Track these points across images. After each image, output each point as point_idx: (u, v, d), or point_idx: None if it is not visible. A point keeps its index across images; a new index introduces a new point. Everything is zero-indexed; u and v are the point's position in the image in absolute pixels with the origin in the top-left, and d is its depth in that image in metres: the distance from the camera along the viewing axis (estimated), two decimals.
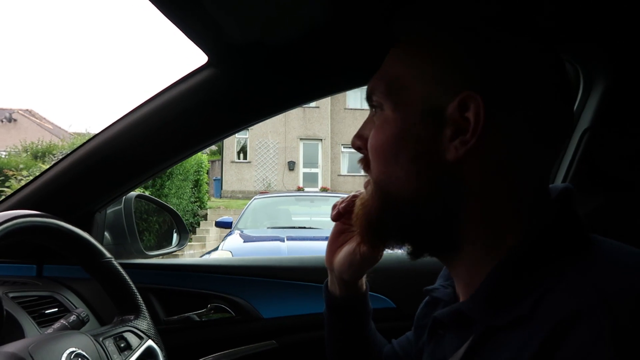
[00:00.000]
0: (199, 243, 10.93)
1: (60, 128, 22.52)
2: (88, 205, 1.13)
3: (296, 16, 0.83)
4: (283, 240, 4.65)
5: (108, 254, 0.88)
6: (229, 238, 5.23)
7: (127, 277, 0.91)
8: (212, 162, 19.41)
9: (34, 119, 22.66)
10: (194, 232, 11.75)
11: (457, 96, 0.52)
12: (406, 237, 0.61)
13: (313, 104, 18.29)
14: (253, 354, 1.16)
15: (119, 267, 0.89)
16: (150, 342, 0.90)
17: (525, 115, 0.53)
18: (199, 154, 12.76)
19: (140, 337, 0.88)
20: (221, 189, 17.97)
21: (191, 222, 11.72)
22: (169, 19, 0.79)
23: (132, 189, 1.15)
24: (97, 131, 1.11)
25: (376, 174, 0.60)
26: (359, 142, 0.64)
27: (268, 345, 1.17)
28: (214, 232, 11.45)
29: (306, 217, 6.24)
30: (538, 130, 0.54)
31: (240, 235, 5.26)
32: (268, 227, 5.69)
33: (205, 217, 12.90)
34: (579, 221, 0.55)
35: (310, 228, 5.65)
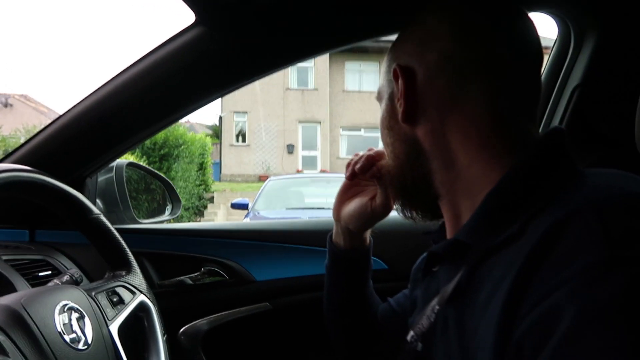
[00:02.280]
0: None
1: (55, 112, 22.43)
2: (78, 170, 1.12)
3: None
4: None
5: (96, 210, 0.88)
6: (247, 220, 5.23)
7: (116, 234, 0.91)
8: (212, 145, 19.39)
9: (29, 103, 22.56)
10: (202, 215, 11.78)
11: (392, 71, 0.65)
12: (407, 202, 0.70)
13: (311, 86, 18.20)
14: (248, 316, 1.17)
15: (108, 224, 0.89)
16: (142, 297, 0.90)
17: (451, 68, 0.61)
18: (204, 136, 12.74)
19: (133, 292, 0.89)
20: (220, 172, 17.96)
21: (197, 206, 11.73)
22: None
23: (122, 152, 1.15)
24: None
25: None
26: None
27: (262, 307, 1.18)
28: (221, 216, 11.50)
29: (322, 199, 6.25)
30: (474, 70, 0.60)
31: (258, 217, 5.26)
32: (287, 209, 5.68)
33: (211, 200, 12.90)
34: (569, 154, 0.56)
35: (328, 209, 5.65)
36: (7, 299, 0.65)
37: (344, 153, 18.65)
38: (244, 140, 18.60)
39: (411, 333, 0.62)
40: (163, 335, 0.91)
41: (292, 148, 18.25)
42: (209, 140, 12.81)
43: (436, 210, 0.69)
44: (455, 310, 0.56)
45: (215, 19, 0.94)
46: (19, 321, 0.61)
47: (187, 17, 0.97)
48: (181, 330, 1.15)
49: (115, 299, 0.84)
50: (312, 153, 18.48)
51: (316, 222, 1.30)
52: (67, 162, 1.09)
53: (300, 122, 18.37)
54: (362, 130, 18.36)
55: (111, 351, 0.77)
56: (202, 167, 12.22)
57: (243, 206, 6.38)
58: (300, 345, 1.23)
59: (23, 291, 0.76)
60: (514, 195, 0.54)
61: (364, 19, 0.94)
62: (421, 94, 0.63)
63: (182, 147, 10.18)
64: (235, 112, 18.19)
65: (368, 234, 0.93)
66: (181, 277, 1.18)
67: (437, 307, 0.58)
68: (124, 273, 0.91)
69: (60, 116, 1.08)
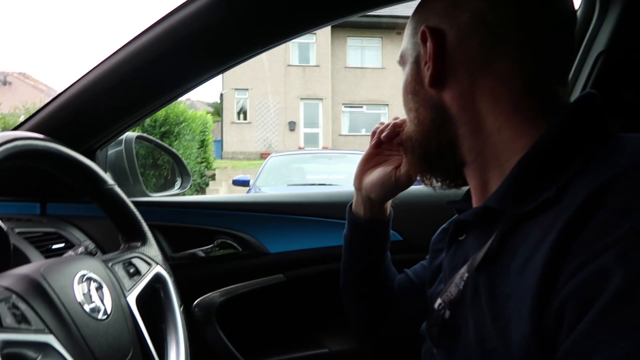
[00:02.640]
0: None
1: (54, 90, 22.35)
2: (89, 141, 1.10)
3: None
4: None
5: (111, 181, 0.87)
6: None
7: (131, 205, 0.89)
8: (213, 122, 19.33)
9: (28, 81, 22.45)
10: (203, 192, 11.79)
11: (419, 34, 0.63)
12: (430, 169, 0.70)
13: (313, 63, 18.04)
14: (261, 288, 1.17)
15: (123, 195, 0.87)
16: (158, 268, 0.89)
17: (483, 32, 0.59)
18: (204, 113, 12.67)
19: (149, 264, 0.88)
20: (222, 150, 17.94)
21: (199, 183, 11.75)
22: None
23: (134, 124, 1.12)
24: None
25: (407, 124, 0.73)
26: None
27: (276, 279, 1.17)
28: (223, 193, 11.52)
29: (324, 175, 6.24)
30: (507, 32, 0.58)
31: (259, 193, 5.27)
32: (288, 185, 5.68)
33: (213, 177, 12.90)
34: (603, 118, 0.55)
35: (329, 185, 5.68)
36: (26, 269, 0.64)
37: (346, 130, 18.61)
38: (245, 117, 18.54)
39: (439, 301, 0.61)
40: (180, 306, 0.90)
41: (294, 125, 18.20)
42: (210, 117, 12.75)
43: (459, 179, 0.68)
44: (486, 277, 0.55)
45: None
46: (39, 290, 0.60)
47: None
48: (195, 302, 1.15)
49: (131, 270, 0.83)
50: (313, 130, 18.44)
51: (330, 194, 1.29)
52: (79, 133, 1.07)
53: (301, 99, 18.28)
54: (364, 107, 18.28)
55: (130, 321, 0.76)
56: (203, 144, 12.18)
57: (244, 183, 6.36)
58: (314, 316, 1.23)
59: (41, 261, 0.75)
60: (549, 160, 0.53)
61: None
62: (451, 57, 0.61)
63: (183, 124, 10.12)
64: (236, 89, 18.08)
65: (389, 205, 0.92)
66: (194, 250, 1.17)
67: (466, 274, 0.58)
68: (139, 244, 0.89)
69: (71, 86, 1.05)
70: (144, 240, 0.90)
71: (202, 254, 1.17)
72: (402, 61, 0.71)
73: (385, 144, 0.84)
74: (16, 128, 1.09)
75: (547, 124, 0.56)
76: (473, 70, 0.59)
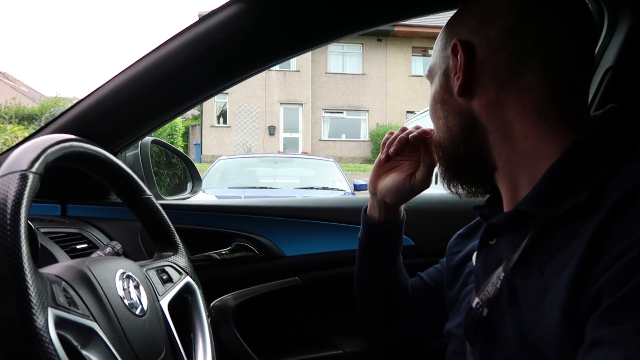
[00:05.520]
0: None
1: (35, 91, 21.84)
2: (111, 145, 1.12)
3: None
4: (240, 198, 4.63)
5: (148, 191, 0.89)
6: (192, 197, 5.21)
7: (165, 215, 0.92)
8: (193, 126, 19.14)
9: (7, 81, 21.89)
10: None
11: (449, 47, 0.68)
12: (457, 175, 0.73)
13: (293, 68, 18.06)
14: (277, 290, 1.19)
15: (158, 205, 0.90)
16: (188, 279, 0.91)
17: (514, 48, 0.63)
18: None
19: (180, 273, 0.90)
20: (201, 153, 17.79)
21: None
22: None
23: (155, 128, 1.14)
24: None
25: (434, 132, 0.78)
26: None
27: (292, 282, 1.20)
28: (198, 196, 11.38)
29: (269, 179, 6.26)
30: (534, 51, 0.62)
31: (204, 195, 5.25)
32: (229, 187, 5.67)
33: None
34: (631, 123, 0.60)
35: (271, 188, 5.72)
36: (72, 262, 0.67)
37: (326, 135, 18.66)
38: (225, 121, 18.42)
39: (476, 300, 0.64)
40: (208, 317, 0.93)
41: (274, 130, 18.17)
42: (179, 121, 12.62)
43: (486, 185, 0.72)
44: (522, 276, 0.58)
45: None
46: (85, 280, 0.62)
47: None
48: (212, 303, 1.17)
49: (164, 277, 0.85)
50: (293, 135, 18.44)
51: (345, 200, 1.33)
52: (103, 137, 1.08)
53: (282, 103, 18.27)
54: (345, 112, 18.37)
55: (163, 323, 0.78)
56: None
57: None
58: (328, 318, 1.26)
59: (83, 258, 0.77)
60: (579, 167, 0.57)
61: None
62: (480, 68, 0.65)
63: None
64: None
65: (402, 208, 0.96)
66: (212, 252, 1.19)
67: (502, 274, 0.61)
68: (171, 254, 0.92)
69: (95, 90, 1.07)
70: (175, 250, 0.92)
71: (218, 256, 1.20)
72: (430, 75, 0.76)
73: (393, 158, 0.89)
74: (40, 130, 1.10)
75: (571, 132, 0.61)
76: (500, 80, 0.64)
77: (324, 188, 5.84)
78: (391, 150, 0.87)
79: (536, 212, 0.59)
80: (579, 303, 0.49)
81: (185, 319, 0.90)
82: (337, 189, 5.85)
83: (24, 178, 0.54)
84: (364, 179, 8.01)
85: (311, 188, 5.80)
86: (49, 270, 0.60)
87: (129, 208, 0.87)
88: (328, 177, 6.23)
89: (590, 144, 0.58)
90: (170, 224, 0.92)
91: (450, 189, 0.75)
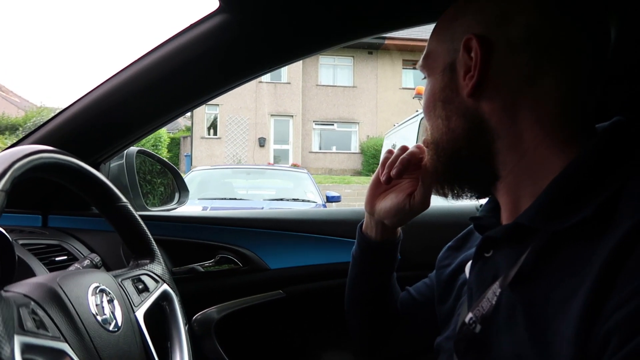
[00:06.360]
0: None
1: (27, 101, 21.69)
2: (94, 155, 1.11)
3: None
4: (206, 209, 4.59)
5: (124, 199, 0.88)
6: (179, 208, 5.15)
7: (142, 223, 0.91)
8: (184, 137, 19.09)
9: (0, 92, 21.74)
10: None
11: (462, 41, 0.62)
12: (456, 178, 0.69)
13: (284, 80, 18.12)
14: (261, 303, 1.18)
15: (135, 212, 0.89)
16: (165, 286, 0.90)
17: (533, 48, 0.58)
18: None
19: (157, 281, 0.89)
20: (191, 164, 17.72)
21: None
22: None
23: (139, 139, 1.14)
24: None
25: (429, 130, 0.70)
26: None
27: (275, 295, 1.19)
28: (187, 207, 11.33)
29: (242, 191, 6.25)
30: (550, 56, 0.58)
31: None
32: (198, 199, 5.59)
33: None
34: (633, 143, 0.57)
35: (240, 199, 5.71)
36: (42, 278, 0.65)
37: (317, 147, 18.68)
38: (215, 132, 18.40)
39: (469, 315, 0.61)
40: (185, 324, 0.91)
41: (264, 141, 18.16)
42: (164, 132, 12.59)
43: (487, 193, 0.69)
44: (522, 294, 0.55)
45: (240, 7, 0.93)
46: (56, 298, 0.60)
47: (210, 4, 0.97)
48: (194, 317, 1.15)
49: (140, 287, 0.84)
50: (284, 147, 18.44)
51: (330, 212, 1.32)
52: (85, 147, 1.08)
53: (272, 115, 18.28)
54: (335, 124, 18.43)
55: (138, 336, 0.76)
56: None
57: None
58: (312, 332, 1.25)
59: (56, 272, 0.76)
60: (585, 180, 0.54)
61: (392, 6, 0.94)
62: (496, 69, 0.60)
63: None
64: (206, 104, 17.94)
65: (399, 228, 0.93)
66: (195, 264, 1.18)
67: (499, 290, 0.57)
68: (147, 262, 0.90)
69: (77, 100, 1.06)
70: (152, 258, 0.91)
71: (201, 269, 1.18)
72: (425, 66, 0.70)
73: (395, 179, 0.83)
74: (19, 141, 1.09)
75: (579, 145, 0.57)
76: (517, 84, 0.59)
77: (295, 200, 5.84)
78: (393, 172, 0.81)
79: (538, 226, 0.55)
80: (589, 339, 0.46)
81: (162, 327, 0.89)
82: (308, 201, 5.85)
83: None
84: (338, 191, 7.92)
85: (282, 199, 5.80)
86: (18, 288, 0.59)
87: (104, 216, 0.86)
88: (300, 189, 6.23)
89: (595, 157, 0.55)
90: (147, 231, 0.90)
91: (442, 191, 0.71)
